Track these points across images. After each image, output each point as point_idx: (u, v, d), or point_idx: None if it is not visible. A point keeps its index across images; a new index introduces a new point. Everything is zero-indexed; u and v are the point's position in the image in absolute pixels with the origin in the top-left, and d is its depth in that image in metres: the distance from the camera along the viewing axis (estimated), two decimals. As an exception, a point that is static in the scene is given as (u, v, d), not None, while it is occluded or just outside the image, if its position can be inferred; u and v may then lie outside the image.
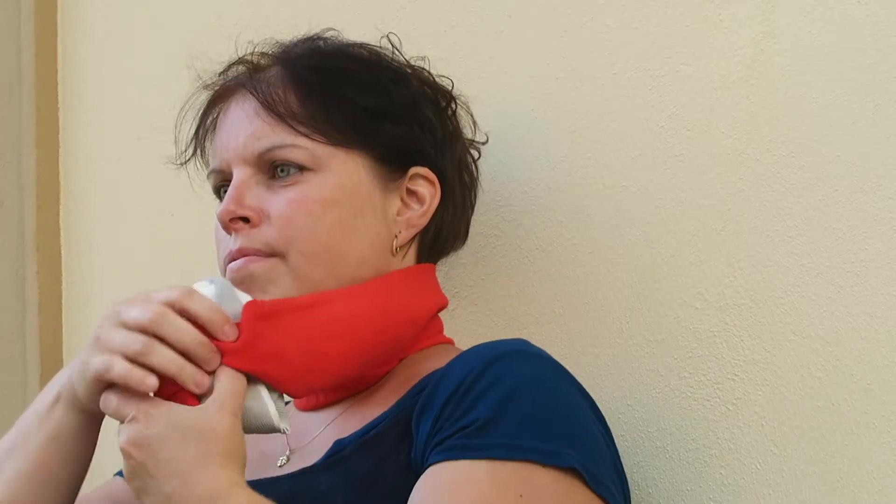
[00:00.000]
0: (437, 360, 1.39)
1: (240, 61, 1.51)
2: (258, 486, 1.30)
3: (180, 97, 1.63)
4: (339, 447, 1.36)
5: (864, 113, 1.37)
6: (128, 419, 1.26)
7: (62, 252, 2.17)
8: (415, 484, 1.27)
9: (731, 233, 1.45)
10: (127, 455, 1.25)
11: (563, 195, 1.59)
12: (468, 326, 1.64)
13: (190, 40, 1.98)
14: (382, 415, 1.37)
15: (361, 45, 1.51)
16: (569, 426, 1.30)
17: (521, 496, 1.24)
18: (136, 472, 1.25)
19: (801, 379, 1.40)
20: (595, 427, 1.34)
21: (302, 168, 1.42)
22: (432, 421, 1.30)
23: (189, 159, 1.57)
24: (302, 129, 1.42)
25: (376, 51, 1.51)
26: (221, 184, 1.48)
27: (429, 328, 1.46)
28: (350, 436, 1.37)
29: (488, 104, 1.61)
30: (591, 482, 1.28)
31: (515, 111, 1.63)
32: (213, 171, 1.49)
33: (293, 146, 1.42)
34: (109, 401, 1.27)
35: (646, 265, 1.52)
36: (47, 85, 2.20)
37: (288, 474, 1.38)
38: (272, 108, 1.43)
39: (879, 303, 1.36)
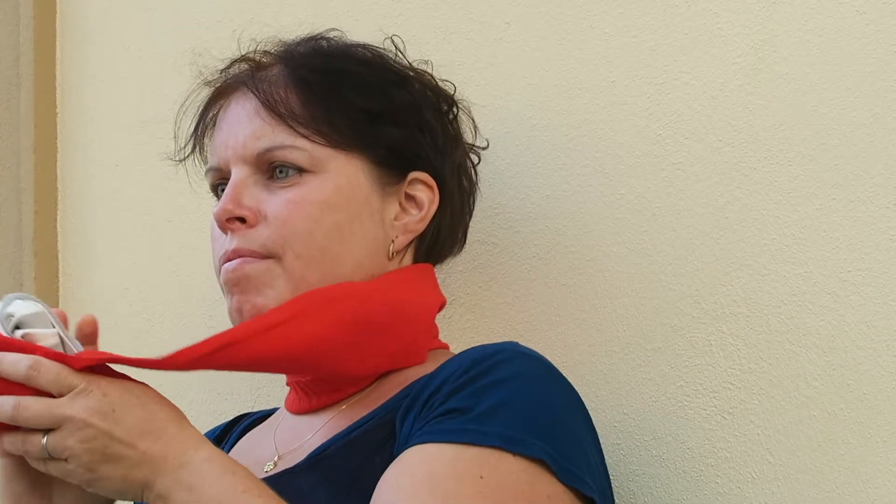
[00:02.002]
0: (428, 366, 1.39)
1: (242, 59, 1.50)
2: None
3: (179, 103, 1.63)
4: (322, 448, 1.36)
5: (862, 122, 1.37)
6: (78, 391, 1.24)
7: (59, 258, 2.17)
8: None
9: (728, 241, 1.45)
10: (85, 425, 1.24)
11: (561, 203, 1.58)
12: (465, 333, 1.64)
13: (189, 48, 1.98)
14: (367, 415, 1.37)
15: (364, 46, 1.50)
16: (544, 418, 1.29)
17: (481, 477, 1.23)
18: (97, 439, 1.24)
19: (798, 388, 1.40)
20: (576, 423, 1.34)
21: (301, 170, 1.41)
22: (414, 416, 1.30)
23: (188, 156, 1.57)
24: (302, 130, 1.42)
25: (379, 52, 1.51)
26: (219, 182, 1.47)
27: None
28: (334, 436, 1.37)
29: (486, 111, 1.61)
30: (561, 474, 1.27)
31: (513, 118, 1.62)
32: (211, 169, 1.48)
33: (293, 147, 1.41)
34: (48, 372, 1.25)
35: (643, 273, 1.52)
36: (46, 90, 2.20)
37: (269, 475, 1.37)
38: (273, 108, 1.42)
39: (876, 312, 1.35)
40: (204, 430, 1.39)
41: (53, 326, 1.31)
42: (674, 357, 1.49)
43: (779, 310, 1.42)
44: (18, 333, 1.29)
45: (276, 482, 1.33)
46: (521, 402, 1.28)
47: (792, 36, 1.42)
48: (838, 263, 1.38)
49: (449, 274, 1.63)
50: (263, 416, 1.57)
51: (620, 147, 1.54)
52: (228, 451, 1.53)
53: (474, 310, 1.65)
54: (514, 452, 1.25)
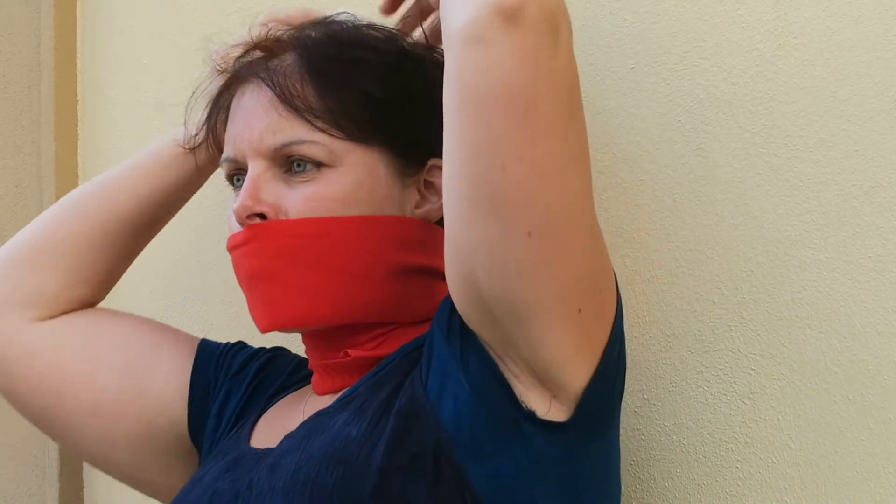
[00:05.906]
0: None
1: (255, 46, 1.48)
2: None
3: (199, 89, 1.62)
4: (351, 390, 1.37)
5: (883, 108, 1.37)
6: None
7: (80, 244, 2.17)
8: (428, 406, 1.29)
9: (749, 227, 1.45)
10: None
11: (581, 189, 1.58)
12: (485, 319, 1.64)
13: (212, 33, 1.98)
14: (391, 355, 1.38)
15: (375, 28, 1.49)
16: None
17: None
18: None
19: (818, 373, 1.40)
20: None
21: (319, 164, 1.40)
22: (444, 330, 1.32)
23: (199, 144, 1.56)
24: (319, 124, 1.40)
25: (391, 33, 1.49)
26: (234, 172, 1.47)
27: None
28: (361, 379, 1.38)
29: (506, 98, 1.61)
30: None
31: (533, 105, 1.62)
32: (227, 160, 1.47)
33: (310, 142, 1.40)
34: None
35: (663, 259, 1.52)
36: (66, 77, 2.21)
37: (302, 422, 1.39)
38: (289, 101, 1.41)
39: (896, 297, 1.36)
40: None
41: None
42: (694, 342, 1.49)
43: (799, 295, 1.42)
44: None
45: (311, 422, 1.34)
46: None
47: (812, 22, 1.42)
48: (859, 249, 1.38)
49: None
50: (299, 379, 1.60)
51: (640, 133, 1.54)
52: (271, 393, 1.57)
53: (494, 296, 1.65)
54: None
